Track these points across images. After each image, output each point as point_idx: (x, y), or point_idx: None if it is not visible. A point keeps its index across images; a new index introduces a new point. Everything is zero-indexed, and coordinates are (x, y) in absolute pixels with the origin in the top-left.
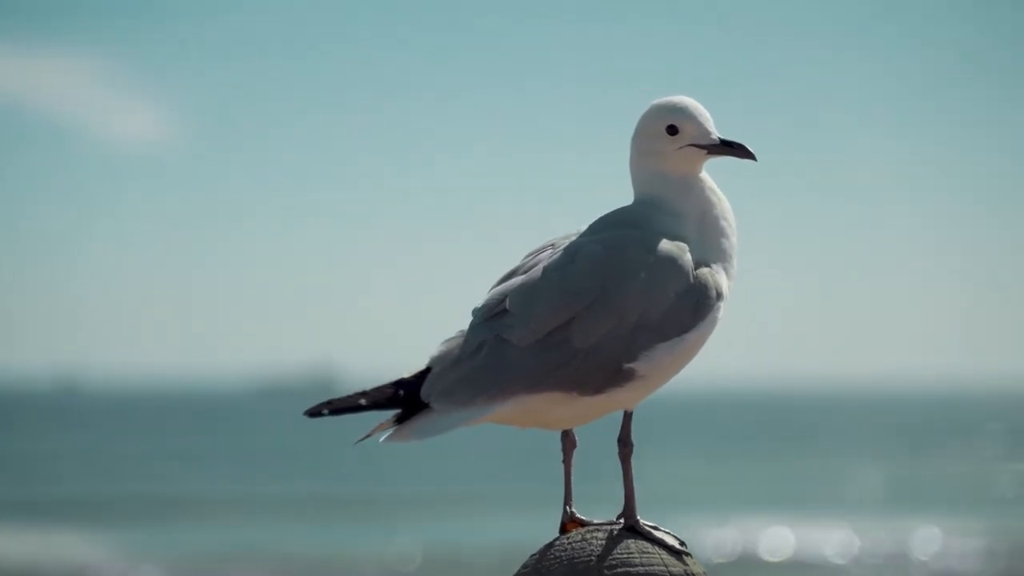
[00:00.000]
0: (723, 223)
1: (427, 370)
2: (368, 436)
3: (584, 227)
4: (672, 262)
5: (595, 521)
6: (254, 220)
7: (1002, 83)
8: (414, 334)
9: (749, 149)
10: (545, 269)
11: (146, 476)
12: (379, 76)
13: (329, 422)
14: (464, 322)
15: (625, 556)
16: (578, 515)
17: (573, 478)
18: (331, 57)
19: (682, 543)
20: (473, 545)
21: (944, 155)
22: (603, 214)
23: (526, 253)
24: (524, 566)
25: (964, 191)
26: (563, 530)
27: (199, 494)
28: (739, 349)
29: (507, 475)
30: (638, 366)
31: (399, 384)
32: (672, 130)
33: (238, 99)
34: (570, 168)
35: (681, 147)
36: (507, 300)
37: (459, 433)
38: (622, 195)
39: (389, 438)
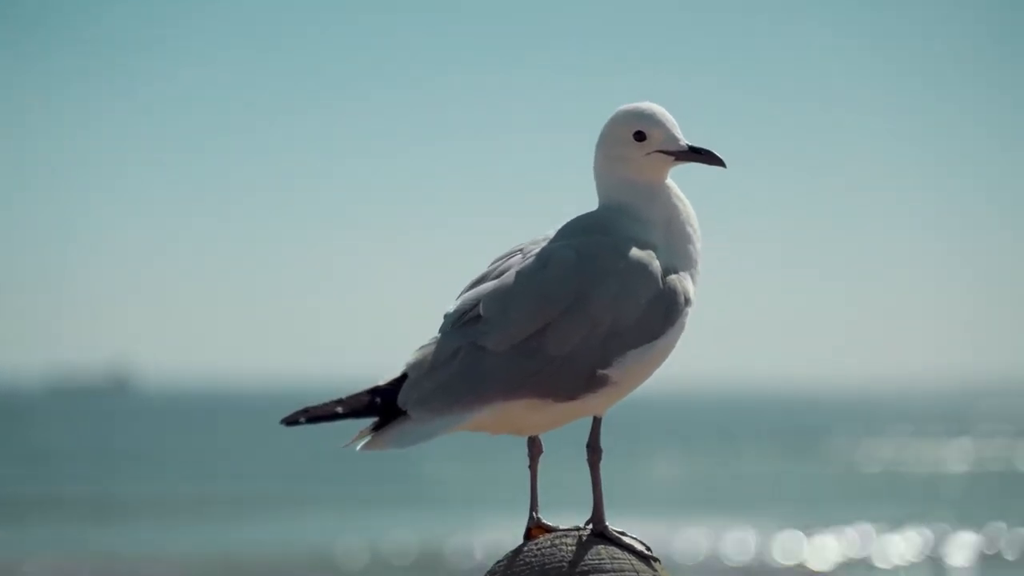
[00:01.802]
0: (688, 229)
1: (403, 377)
2: (350, 444)
3: (551, 232)
4: (643, 269)
5: (561, 527)
6: (48, 213)
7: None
8: (214, 334)
9: (718, 155)
10: (518, 274)
11: None
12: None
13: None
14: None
15: (596, 562)
16: (544, 521)
17: (539, 484)
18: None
19: (648, 549)
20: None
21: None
22: (569, 219)
23: (494, 258)
24: (491, 572)
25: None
26: (528, 536)
27: None
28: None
29: (281, 476)
30: (611, 372)
31: (375, 392)
32: (639, 136)
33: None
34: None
35: (649, 153)
36: (481, 306)
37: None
38: (574, 202)
39: (366, 446)
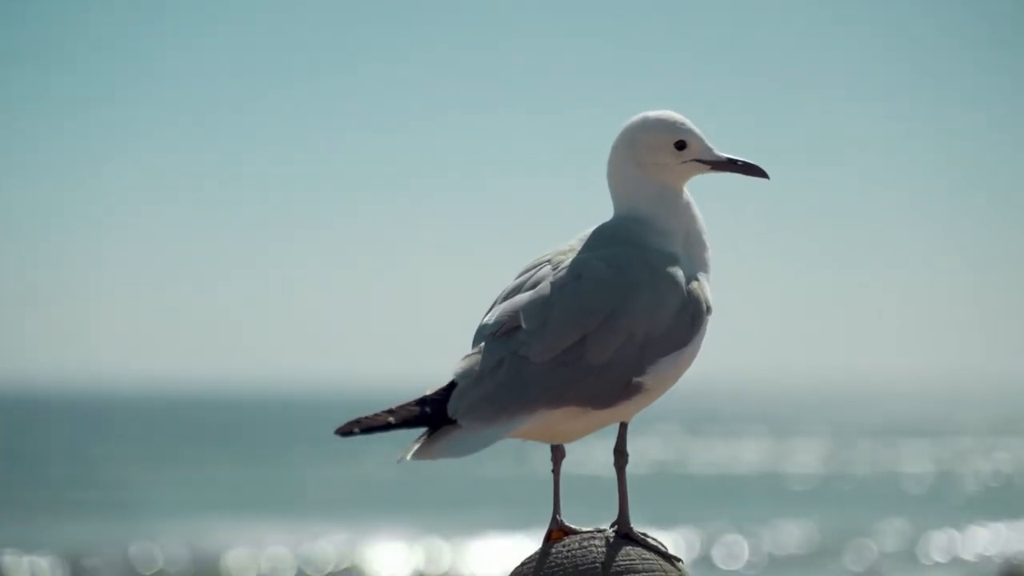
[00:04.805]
0: (704, 238)
1: (450, 386)
2: (404, 456)
3: (575, 241)
4: (671, 279)
5: (583, 530)
6: None
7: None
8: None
9: (759, 167)
10: (554, 286)
11: None
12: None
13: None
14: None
15: (628, 563)
16: (567, 524)
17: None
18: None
19: (664, 549)
20: None
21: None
22: (593, 228)
23: (521, 269)
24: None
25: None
26: (548, 538)
27: None
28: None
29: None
30: (645, 380)
31: (423, 402)
32: (681, 145)
33: None
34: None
35: (685, 161)
36: (521, 317)
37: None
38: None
39: (416, 455)
